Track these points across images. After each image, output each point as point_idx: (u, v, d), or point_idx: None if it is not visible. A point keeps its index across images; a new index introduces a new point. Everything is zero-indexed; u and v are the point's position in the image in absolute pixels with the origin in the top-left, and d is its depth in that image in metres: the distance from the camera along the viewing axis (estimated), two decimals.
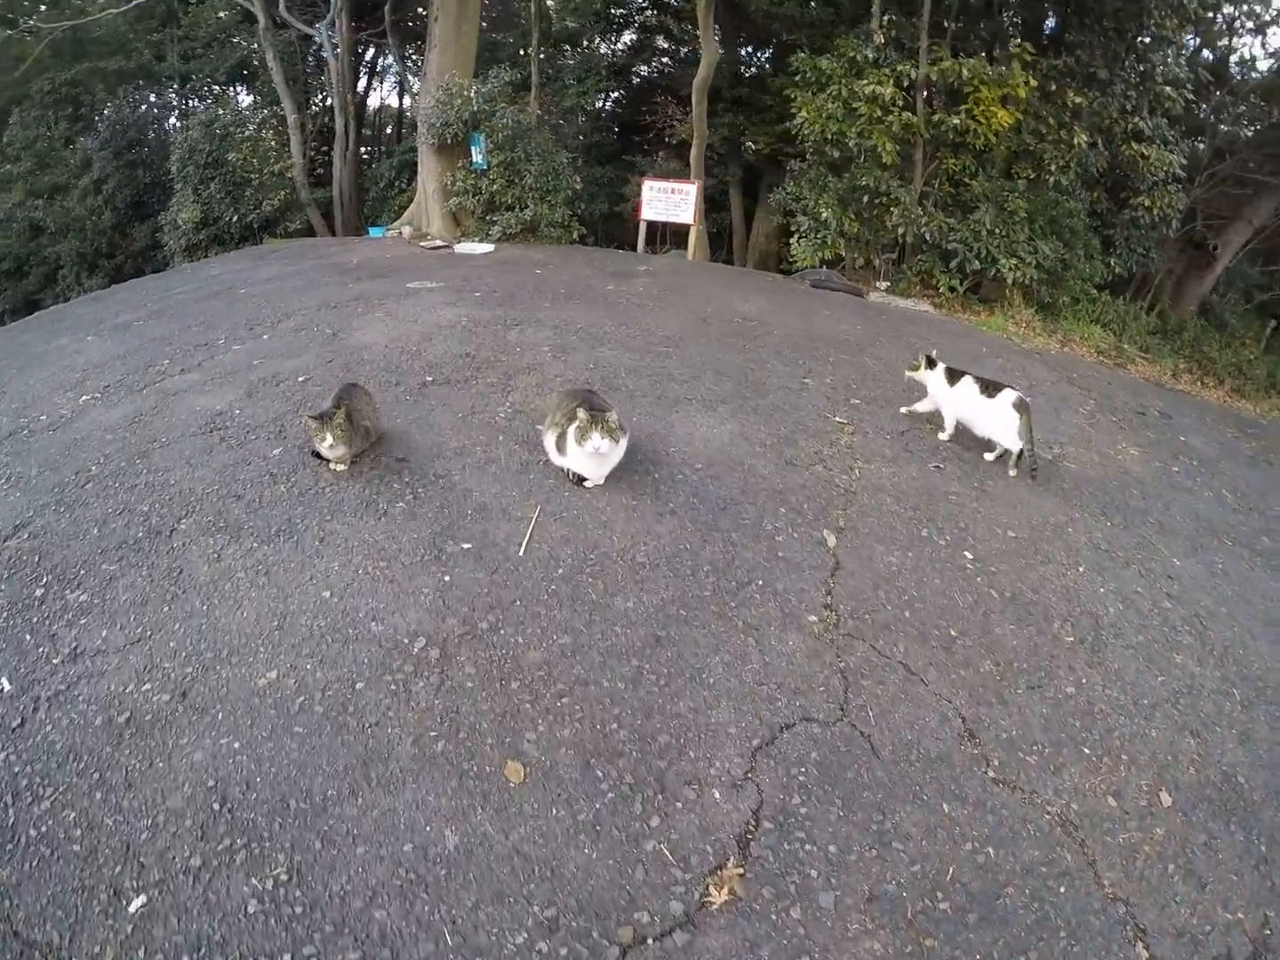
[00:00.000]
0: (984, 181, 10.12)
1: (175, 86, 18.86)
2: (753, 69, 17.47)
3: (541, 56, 16.40)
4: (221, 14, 19.32)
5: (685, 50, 19.07)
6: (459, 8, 11.39)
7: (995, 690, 3.04)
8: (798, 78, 10.64)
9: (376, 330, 6.13)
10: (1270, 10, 13.55)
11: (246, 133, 13.80)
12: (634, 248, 12.15)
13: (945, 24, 10.81)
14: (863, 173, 9.94)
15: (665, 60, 19.79)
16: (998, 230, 9.79)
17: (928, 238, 9.97)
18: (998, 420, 4.54)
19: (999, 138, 9.86)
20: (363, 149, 20.24)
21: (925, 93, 10.25)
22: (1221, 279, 13.75)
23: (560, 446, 3.87)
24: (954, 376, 4.76)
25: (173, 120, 16.13)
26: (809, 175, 10.76)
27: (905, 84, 9.82)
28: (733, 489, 4.11)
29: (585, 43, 19.96)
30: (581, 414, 3.63)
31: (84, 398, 5.17)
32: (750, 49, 17.50)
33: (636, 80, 20.36)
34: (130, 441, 4.39)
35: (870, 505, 4.15)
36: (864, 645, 3.17)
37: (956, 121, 9.67)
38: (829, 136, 9.92)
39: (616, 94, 20.83)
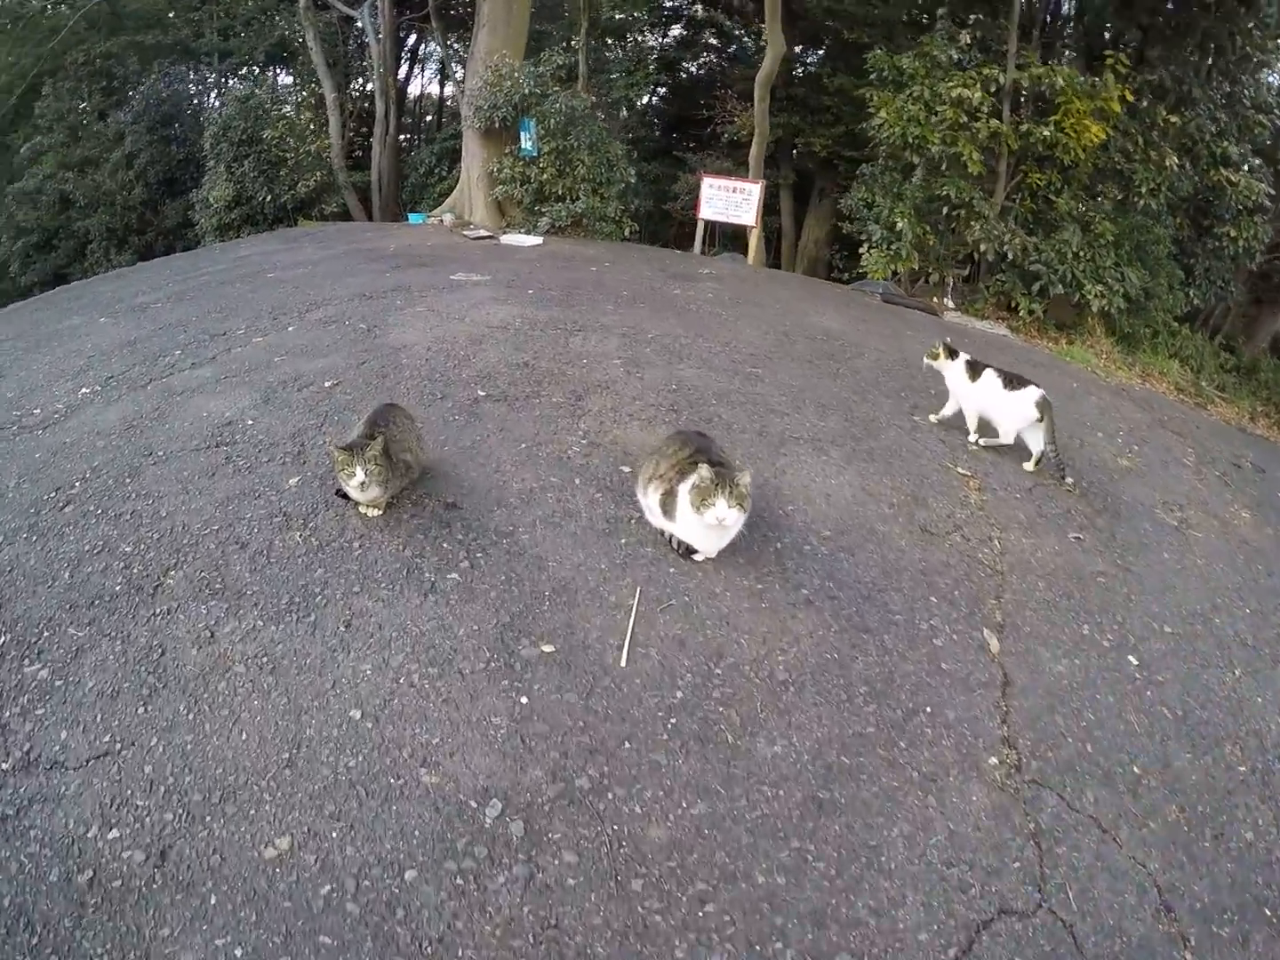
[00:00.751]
0: (1069, 200, 9.13)
1: (213, 64, 17.87)
2: (808, 68, 16.49)
3: (590, 45, 15.44)
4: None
5: (735, 47, 18.12)
6: None
7: (1184, 845, 2.44)
8: (873, 76, 9.67)
9: (418, 328, 5.26)
10: None
11: (283, 110, 12.94)
12: (682, 247, 11.23)
13: (1031, 30, 9.82)
14: (945, 182, 8.96)
15: (713, 57, 18.77)
16: (1083, 253, 8.82)
17: (1010, 255, 8.98)
18: (1019, 416, 4.28)
19: (1087, 154, 8.87)
20: (403, 136, 19.29)
21: (1011, 100, 9.26)
22: None
23: (667, 508, 2.96)
24: (975, 370, 4.42)
25: (211, 99, 15.12)
26: (882, 181, 9.77)
27: (993, 89, 8.83)
28: (871, 568, 3.23)
29: (633, 36, 18.98)
30: (704, 473, 2.71)
31: (83, 390, 4.39)
32: (804, 46, 16.42)
33: (684, 76, 19.40)
34: (123, 452, 3.56)
35: (1023, 592, 3.31)
36: (1052, 796, 2.44)
37: (1046, 133, 8.67)
38: (910, 140, 8.93)
39: (664, 89, 19.90)
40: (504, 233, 10.17)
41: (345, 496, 3.09)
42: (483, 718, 2.25)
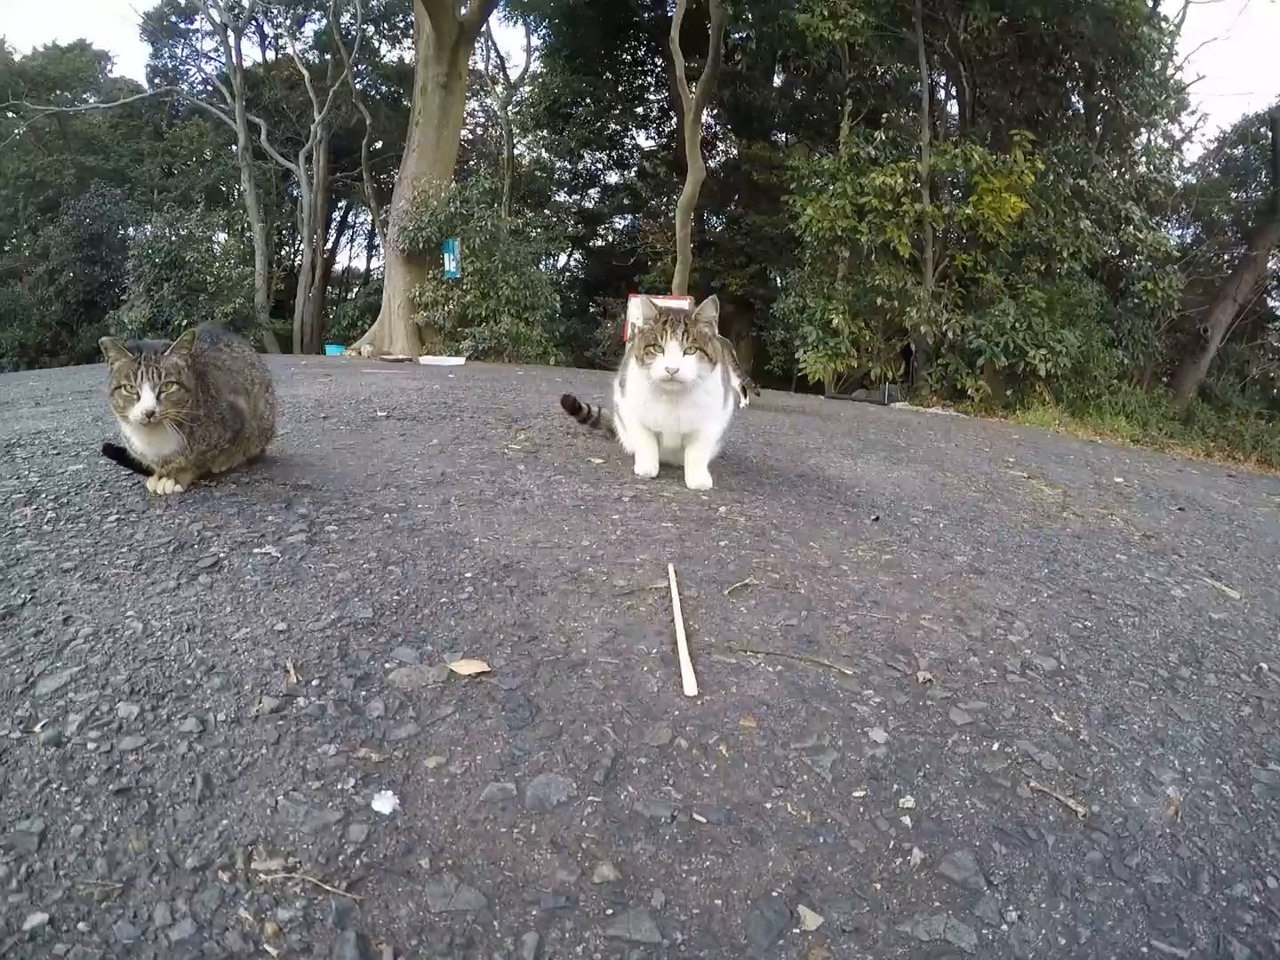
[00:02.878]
0: (996, 277, 8.76)
1: (150, 197, 16.92)
2: (723, 214, 16.70)
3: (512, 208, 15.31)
4: (205, 141, 17.99)
5: (645, 209, 18.38)
6: (441, 113, 10.12)
7: None
8: (793, 185, 9.42)
9: (312, 389, 4.01)
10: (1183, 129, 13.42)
11: (211, 235, 12.15)
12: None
13: (938, 123, 9.89)
14: (876, 270, 8.47)
15: (629, 218, 19.02)
16: (1019, 323, 8.37)
17: (950, 336, 8.39)
18: None
19: (1008, 229, 8.63)
20: (329, 289, 18.68)
21: (931, 188, 9.05)
22: (1214, 361, 12.50)
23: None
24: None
25: (146, 229, 14.11)
26: (812, 284, 9.31)
27: (913, 177, 8.58)
28: (1017, 533, 2.14)
29: (550, 197, 19.16)
30: (644, 308, 1.95)
31: None
32: (718, 196, 16.70)
33: (601, 242, 19.57)
34: None
35: (1187, 549, 2.35)
36: None
37: (969, 211, 8.39)
38: (840, 234, 8.49)
39: (580, 254, 19.98)
40: (423, 356, 9.20)
41: (124, 461, 1.79)
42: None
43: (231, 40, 15.13)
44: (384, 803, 0.85)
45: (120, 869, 0.75)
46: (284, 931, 0.70)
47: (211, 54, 18.84)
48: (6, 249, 16.39)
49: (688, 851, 0.81)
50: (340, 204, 19.71)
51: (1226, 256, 14.31)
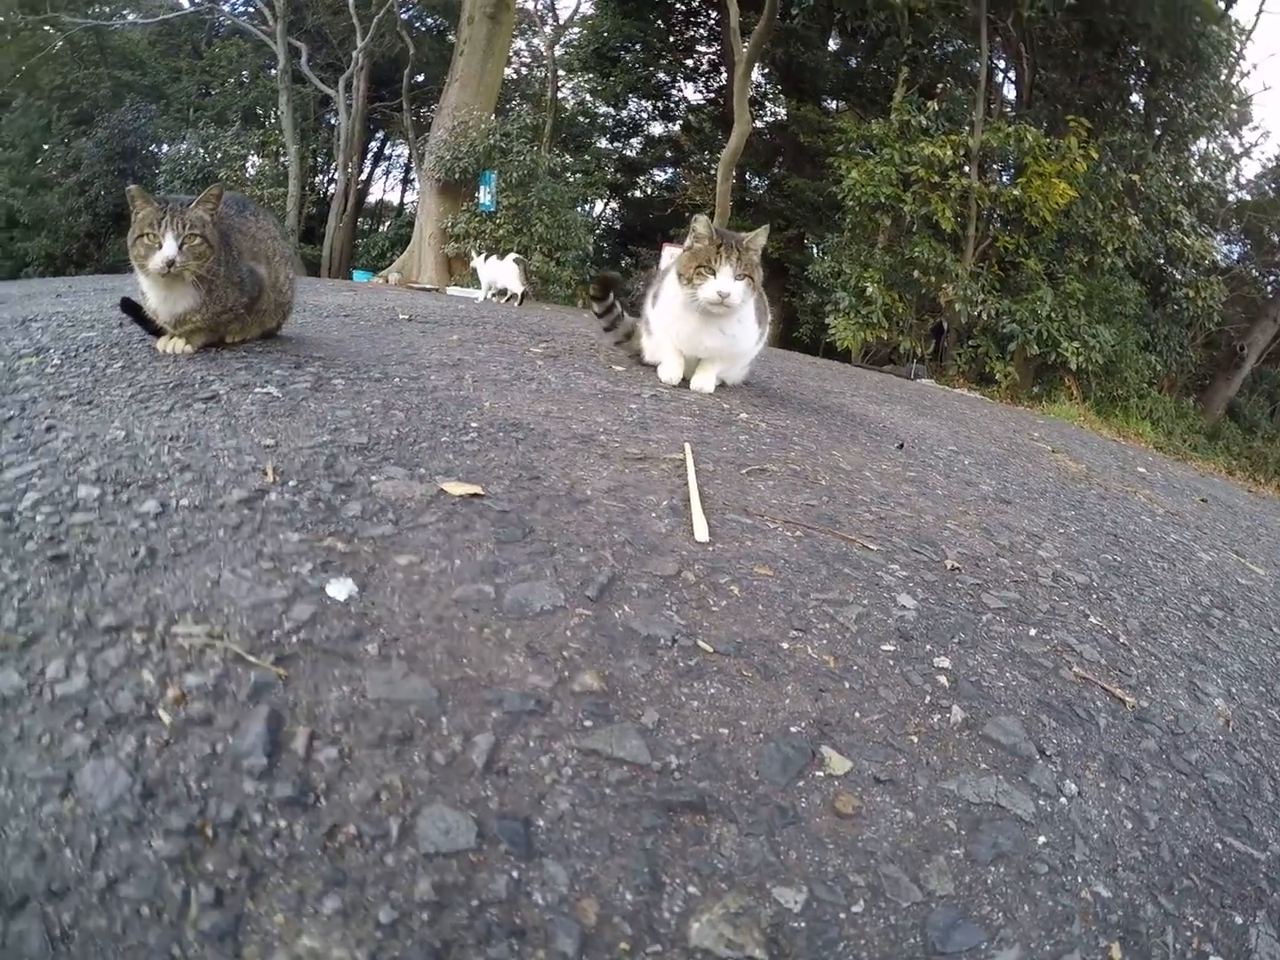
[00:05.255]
0: (1037, 263, 8.54)
1: (186, 115, 16.74)
2: (764, 180, 16.39)
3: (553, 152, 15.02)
4: (244, 62, 17.73)
5: (694, 158, 18.03)
6: (487, 44, 9.88)
7: None
8: (840, 149, 9.19)
9: (337, 298, 4.00)
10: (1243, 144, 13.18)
11: (244, 153, 12.01)
12: None
13: (993, 102, 9.63)
14: (916, 243, 8.27)
15: (669, 170, 18.70)
16: (1055, 313, 8.17)
17: (984, 317, 8.23)
18: (507, 273, 6.48)
19: (1054, 216, 8.40)
20: (361, 219, 18.48)
21: (980, 165, 8.81)
22: (1248, 381, 12.34)
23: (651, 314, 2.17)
24: (485, 258, 6.78)
25: (181, 146, 13.88)
26: (850, 250, 9.11)
27: (962, 152, 8.35)
28: (1043, 483, 2.14)
29: (591, 143, 18.78)
30: (699, 226, 1.87)
31: None
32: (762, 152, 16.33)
33: (638, 194, 19.23)
34: None
35: (1211, 528, 2.37)
36: None
37: (1017, 193, 8.18)
38: (882, 200, 8.29)
39: (618, 204, 19.67)
40: (450, 287, 9.12)
41: (139, 318, 1.76)
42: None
43: None
44: (340, 588, 0.81)
45: (31, 624, 0.73)
46: (186, 698, 0.66)
47: None
48: (39, 160, 16.21)
49: (690, 676, 0.78)
50: (378, 135, 19.38)
51: (1272, 277, 14.00)
